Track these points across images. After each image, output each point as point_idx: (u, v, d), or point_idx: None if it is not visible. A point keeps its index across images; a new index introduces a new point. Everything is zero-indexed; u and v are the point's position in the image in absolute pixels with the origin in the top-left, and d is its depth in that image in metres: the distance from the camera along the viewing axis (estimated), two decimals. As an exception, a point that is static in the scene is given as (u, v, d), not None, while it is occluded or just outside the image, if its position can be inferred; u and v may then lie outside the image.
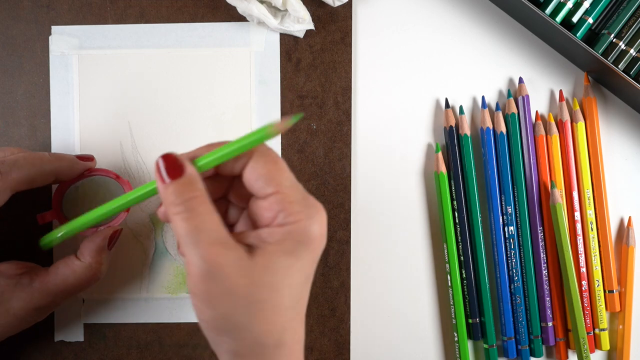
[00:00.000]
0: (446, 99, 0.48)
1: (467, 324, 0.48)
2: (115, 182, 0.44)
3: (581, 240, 0.47)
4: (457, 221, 0.47)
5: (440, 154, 0.47)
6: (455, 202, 0.47)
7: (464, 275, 0.47)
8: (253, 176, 0.34)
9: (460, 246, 0.47)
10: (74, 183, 0.43)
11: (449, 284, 0.47)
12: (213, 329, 0.33)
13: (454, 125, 0.47)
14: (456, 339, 0.47)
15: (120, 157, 0.47)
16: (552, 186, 0.47)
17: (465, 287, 0.47)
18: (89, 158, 0.43)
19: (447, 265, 0.47)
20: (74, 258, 0.41)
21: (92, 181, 0.44)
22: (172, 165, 0.33)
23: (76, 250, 0.42)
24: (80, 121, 0.47)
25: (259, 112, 0.48)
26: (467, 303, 0.47)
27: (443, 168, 0.47)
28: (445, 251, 0.47)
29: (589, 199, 0.47)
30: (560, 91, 0.48)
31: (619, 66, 0.46)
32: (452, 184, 0.47)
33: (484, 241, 0.47)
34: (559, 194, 0.46)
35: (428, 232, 0.48)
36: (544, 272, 0.47)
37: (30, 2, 0.47)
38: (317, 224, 0.33)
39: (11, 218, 0.46)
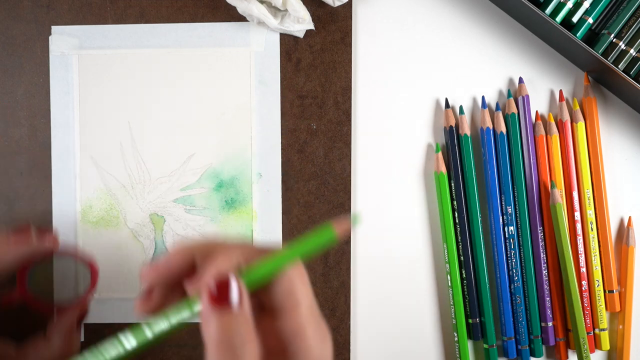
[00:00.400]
0: (446, 99, 0.48)
1: (467, 324, 0.48)
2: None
3: (581, 240, 0.47)
4: (457, 221, 0.47)
5: (440, 154, 0.47)
6: (455, 202, 0.47)
7: (464, 275, 0.47)
8: (278, 287, 0.30)
9: (460, 246, 0.47)
10: (38, 264, 0.43)
11: (449, 284, 0.47)
12: None
13: (454, 125, 0.47)
14: (456, 339, 0.47)
15: (120, 157, 0.47)
16: (552, 186, 0.47)
17: (465, 287, 0.47)
18: (46, 237, 0.41)
19: (447, 265, 0.47)
20: (43, 340, 0.41)
21: (59, 260, 0.44)
22: (224, 293, 0.28)
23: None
24: (80, 121, 0.47)
25: (259, 112, 0.47)
26: (467, 303, 0.47)
27: (443, 168, 0.47)
28: (445, 251, 0.47)
29: (589, 199, 0.47)
30: (560, 91, 0.48)
31: (619, 66, 0.46)
32: (452, 184, 0.47)
33: (484, 241, 0.47)
34: (559, 194, 0.46)
35: (428, 232, 0.48)
36: (544, 272, 0.47)
37: (30, 2, 0.47)
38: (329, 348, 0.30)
39: None
